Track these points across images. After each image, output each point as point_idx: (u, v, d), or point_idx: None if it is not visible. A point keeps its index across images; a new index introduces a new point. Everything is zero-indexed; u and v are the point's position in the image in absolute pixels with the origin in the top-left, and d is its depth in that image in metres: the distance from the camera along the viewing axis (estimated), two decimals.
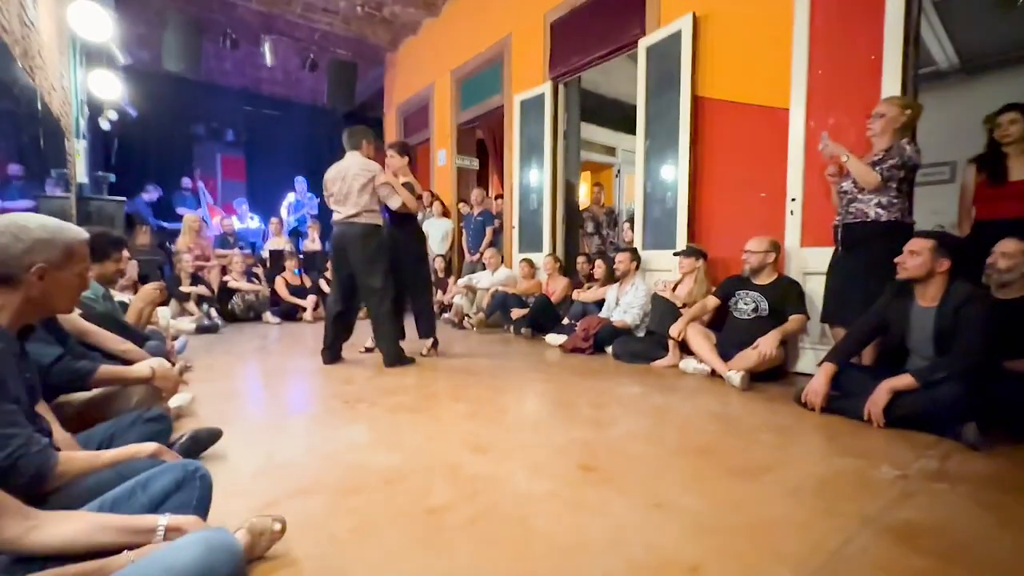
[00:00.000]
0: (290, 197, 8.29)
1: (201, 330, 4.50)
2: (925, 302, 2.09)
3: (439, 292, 5.91)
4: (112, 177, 5.42)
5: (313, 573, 1.05)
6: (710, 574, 1.05)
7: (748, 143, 3.34)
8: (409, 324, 3.57)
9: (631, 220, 4.66)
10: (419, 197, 3.52)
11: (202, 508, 1.01)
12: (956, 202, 2.84)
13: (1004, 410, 1.88)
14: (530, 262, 4.95)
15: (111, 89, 5.25)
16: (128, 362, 2.04)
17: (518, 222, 5.36)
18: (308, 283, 5.89)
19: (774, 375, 2.80)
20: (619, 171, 7.97)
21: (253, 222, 7.97)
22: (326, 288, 5.90)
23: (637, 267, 3.80)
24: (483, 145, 7.16)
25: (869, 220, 2.46)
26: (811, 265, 2.94)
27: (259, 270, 5.99)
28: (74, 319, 1.84)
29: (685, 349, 3.10)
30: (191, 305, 4.89)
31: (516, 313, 4.55)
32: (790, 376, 2.92)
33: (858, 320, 2.30)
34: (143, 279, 4.23)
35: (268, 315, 5.45)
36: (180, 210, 7.40)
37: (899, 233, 2.36)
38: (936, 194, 5.03)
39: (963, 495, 1.43)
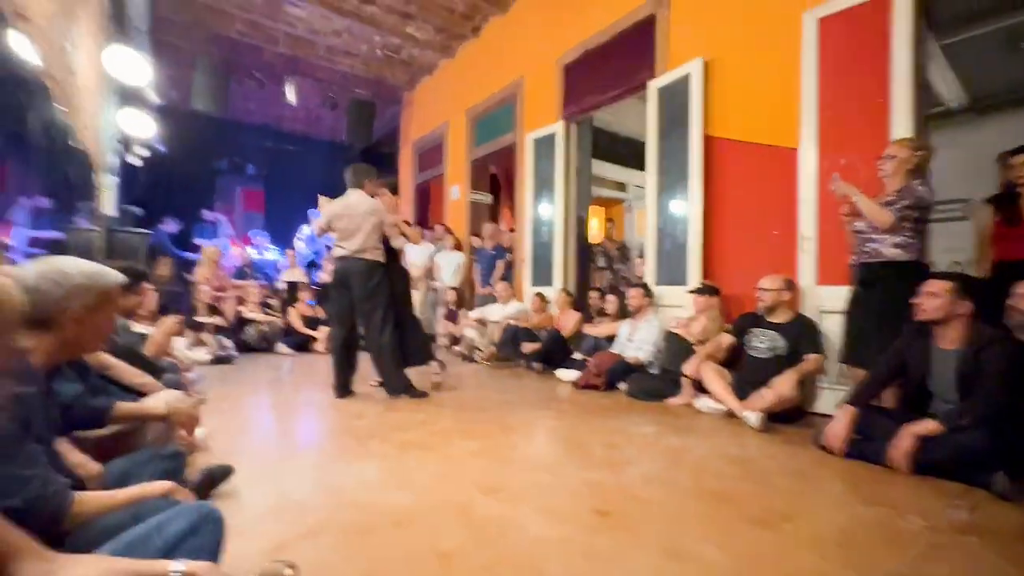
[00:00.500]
0: (305, 229, 8.48)
1: (216, 361, 4.54)
2: (946, 344, 2.05)
3: (450, 324, 5.93)
4: (139, 211, 5.60)
5: None
6: None
7: (759, 181, 3.38)
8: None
9: (643, 255, 4.68)
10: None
11: (215, 553, 1.00)
12: (971, 239, 2.82)
13: None
14: (542, 296, 4.97)
15: (143, 127, 5.49)
16: (145, 395, 2.08)
17: (530, 256, 5.41)
18: (321, 314, 5.94)
19: (792, 416, 2.73)
20: (630, 206, 8.05)
21: (270, 253, 8.14)
22: None
23: (650, 303, 3.80)
24: (495, 180, 7.31)
25: (885, 260, 2.45)
26: (828, 303, 2.91)
27: (274, 301, 6.07)
28: (97, 354, 1.88)
29: (699, 387, 3.06)
30: (207, 336, 4.95)
31: (527, 347, 4.54)
32: (808, 417, 2.85)
33: (877, 362, 2.26)
34: (162, 310, 4.31)
35: (281, 346, 5.49)
36: (199, 241, 7.61)
37: (915, 273, 2.34)
38: (950, 231, 4.99)
39: (995, 550, 1.37)
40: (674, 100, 3.85)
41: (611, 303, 4.28)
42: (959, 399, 1.99)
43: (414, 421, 2.69)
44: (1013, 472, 1.73)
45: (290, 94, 7.24)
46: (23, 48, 3.02)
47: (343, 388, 3.25)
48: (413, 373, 3.35)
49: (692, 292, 3.45)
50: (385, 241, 3.33)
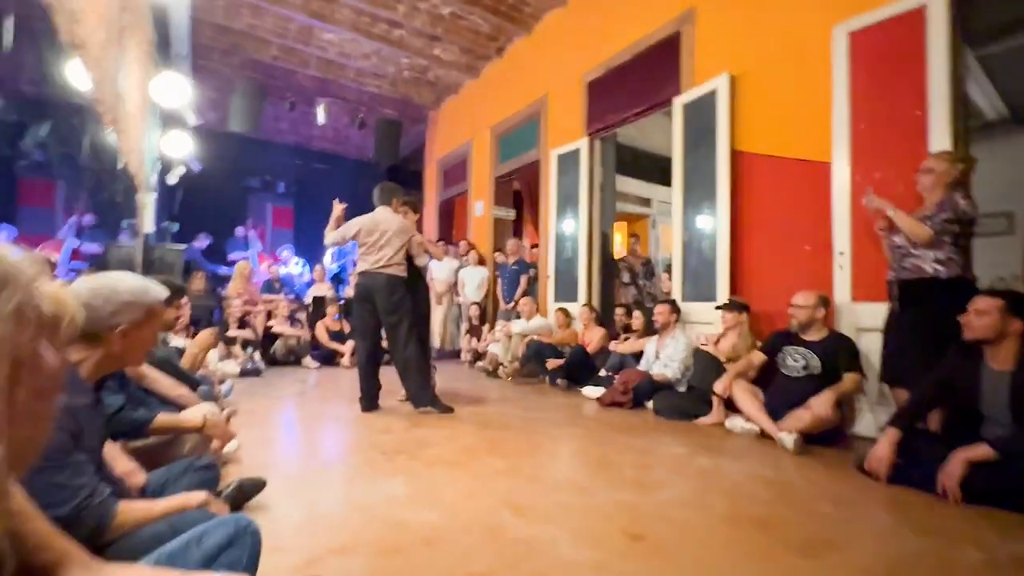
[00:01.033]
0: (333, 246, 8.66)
1: (245, 373, 4.63)
2: (997, 365, 1.95)
3: (473, 340, 5.94)
4: (176, 227, 5.83)
5: None
6: None
7: (790, 196, 3.32)
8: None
9: (669, 270, 4.63)
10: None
11: (252, 565, 1.00)
12: (1013, 252, 2.70)
13: None
14: (566, 312, 4.94)
15: (181, 147, 5.74)
16: (182, 407, 2.13)
17: (554, 272, 5.40)
18: (347, 329, 6.02)
19: (829, 438, 2.62)
20: (655, 222, 7.99)
21: (297, 268, 8.33)
22: None
23: (677, 319, 3.73)
24: (519, 196, 7.37)
25: (927, 276, 2.36)
26: (864, 321, 2.81)
27: (302, 315, 6.19)
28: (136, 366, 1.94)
29: (730, 406, 2.97)
30: (237, 349, 5.06)
31: (552, 363, 4.50)
32: (847, 439, 2.74)
33: (922, 382, 2.16)
34: (195, 323, 4.44)
35: (308, 359, 5.58)
36: (232, 256, 7.85)
37: (960, 290, 2.25)
38: (994, 246, 4.80)
39: None
40: (700, 115, 3.83)
41: (637, 319, 4.22)
42: (1013, 422, 1.88)
43: (440, 437, 2.68)
44: None
45: (320, 115, 7.47)
46: (79, 76, 3.20)
47: (370, 402, 3.27)
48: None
49: (720, 308, 3.38)
50: (408, 259, 3.39)
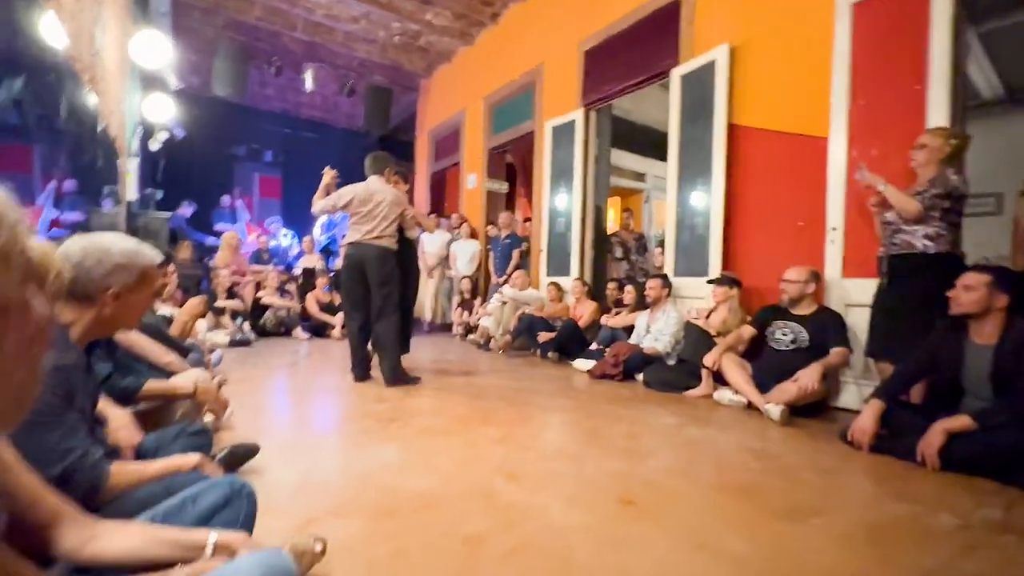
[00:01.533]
0: (323, 216, 8.53)
1: (234, 344, 4.60)
2: (981, 339, 1.99)
3: (465, 313, 5.94)
4: (160, 194, 5.68)
5: None
6: None
7: (785, 171, 3.30)
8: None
9: (662, 244, 4.63)
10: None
11: (248, 525, 1.01)
12: (1001, 234, 2.73)
13: None
14: (558, 286, 4.94)
15: (164, 112, 5.54)
16: (171, 374, 2.11)
17: (546, 246, 5.37)
18: (338, 301, 5.99)
19: (814, 410, 2.69)
20: (648, 197, 7.96)
21: (286, 239, 8.21)
22: None
23: (668, 294, 3.75)
24: (512, 169, 7.27)
25: (916, 252, 2.38)
26: (853, 296, 2.85)
27: (292, 287, 6.13)
28: (125, 331, 1.91)
29: (718, 379, 3.02)
30: (226, 319, 5.02)
31: (543, 336, 4.53)
32: (831, 411, 2.81)
33: (908, 356, 2.21)
34: (184, 292, 4.37)
35: (298, 331, 5.55)
36: (219, 226, 7.70)
37: (948, 265, 2.28)
38: (980, 226, 4.85)
39: None
40: (698, 88, 3.77)
41: (629, 294, 4.24)
42: (993, 395, 1.94)
43: (433, 407, 2.70)
44: None
45: (308, 80, 7.24)
46: (54, 31, 3.04)
47: (362, 372, 3.27)
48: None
49: (711, 283, 3.40)
50: (399, 231, 3.33)
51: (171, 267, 2.95)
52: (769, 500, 1.61)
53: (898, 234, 2.47)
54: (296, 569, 0.78)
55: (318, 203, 3.31)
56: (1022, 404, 1.77)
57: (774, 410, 2.52)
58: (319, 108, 9.31)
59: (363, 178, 3.36)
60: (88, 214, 4.12)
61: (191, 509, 0.98)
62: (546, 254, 5.37)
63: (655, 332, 3.69)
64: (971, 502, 1.62)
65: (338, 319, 5.73)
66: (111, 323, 1.07)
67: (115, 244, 1.03)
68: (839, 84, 2.96)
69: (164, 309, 3.19)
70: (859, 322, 2.75)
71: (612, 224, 6.87)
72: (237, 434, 2.04)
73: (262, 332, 5.42)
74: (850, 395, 2.85)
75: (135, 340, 1.96)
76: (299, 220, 8.74)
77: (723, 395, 2.93)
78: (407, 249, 3.46)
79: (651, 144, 7.15)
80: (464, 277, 6.03)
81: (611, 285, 4.78)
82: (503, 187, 6.71)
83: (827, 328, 2.74)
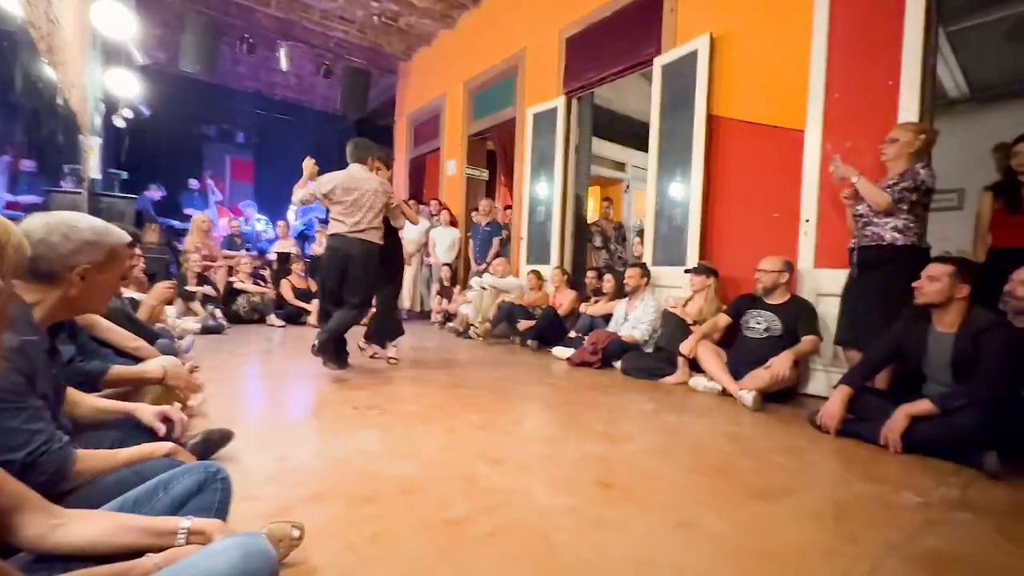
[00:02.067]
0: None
1: (206, 330, 4.47)
2: (943, 327, 2.08)
3: (444, 301, 5.90)
4: (124, 175, 5.44)
5: None
6: None
7: (762, 163, 3.36)
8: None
9: (641, 234, 4.67)
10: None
11: (222, 511, 0.98)
12: (965, 228, 2.85)
13: (1022, 439, 1.86)
14: (538, 274, 4.95)
15: (128, 87, 5.29)
16: (139, 359, 2.03)
17: (526, 234, 5.36)
18: (314, 287, 5.87)
19: (785, 396, 2.77)
20: (628, 186, 8.00)
21: (260, 224, 7.99)
22: None
23: (647, 283, 3.80)
24: (493, 156, 7.20)
25: (885, 244, 2.46)
26: (824, 287, 2.93)
27: (265, 272, 5.98)
28: (89, 314, 1.83)
29: (694, 366, 3.08)
30: (196, 305, 4.87)
31: (523, 324, 4.53)
32: (801, 397, 2.90)
33: (874, 344, 2.29)
34: (151, 277, 4.22)
35: (272, 317, 5.43)
36: (188, 210, 7.44)
37: (915, 257, 2.36)
38: (944, 220, 5.04)
39: (987, 526, 1.41)
40: (679, 78, 3.78)
41: (608, 283, 4.28)
42: (952, 381, 2.03)
43: (412, 393, 2.68)
44: (1003, 453, 1.77)
45: (282, 60, 7.00)
46: None
47: (340, 362, 3.16)
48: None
49: (689, 272, 3.46)
50: (385, 220, 3.23)
51: (137, 250, 2.84)
52: (743, 481, 1.65)
53: (869, 226, 2.54)
54: (275, 553, 0.76)
55: (298, 193, 3.17)
56: (978, 389, 1.85)
57: (747, 396, 2.59)
58: (294, 89, 9.03)
59: (341, 164, 3.25)
60: (46, 195, 3.91)
61: (163, 496, 0.95)
62: (526, 242, 5.36)
63: (633, 320, 3.73)
64: (931, 481, 1.70)
65: (314, 306, 5.62)
66: (77, 304, 1.02)
67: (82, 220, 0.98)
68: (816, 77, 3.01)
69: (129, 293, 3.07)
70: (829, 311, 2.83)
71: (592, 213, 6.89)
72: (210, 421, 1.98)
73: (235, 319, 5.28)
74: (819, 382, 2.95)
75: (100, 323, 1.88)
76: (273, 204, 8.50)
77: (698, 382, 2.99)
78: (392, 239, 3.38)
79: (631, 134, 7.18)
80: (444, 264, 5.98)
81: (590, 274, 4.81)
82: (483, 174, 6.65)
83: (799, 317, 2.81)
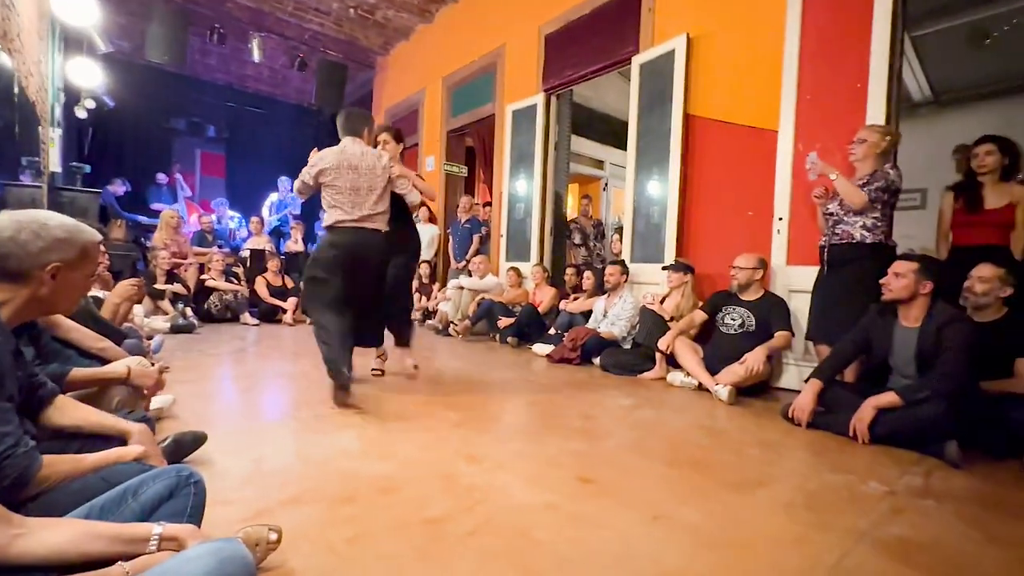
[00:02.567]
0: (272, 197, 8.13)
1: (176, 330, 4.34)
2: (908, 322, 2.16)
3: (423, 298, 5.86)
4: (87, 168, 5.22)
5: None
6: None
7: (737, 162, 3.43)
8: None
9: (619, 231, 4.72)
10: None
11: (196, 516, 0.96)
12: (927, 227, 2.96)
13: (981, 428, 1.95)
14: (517, 271, 4.95)
15: (90, 77, 5.08)
16: (105, 361, 1.96)
17: (506, 231, 5.36)
18: (290, 284, 5.76)
19: (759, 390, 2.84)
20: (607, 184, 8.07)
21: (232, 222, 7.77)
22: None
23: (626, 280, 3.84)
24: (472, 152, 7.17)
25: (854, 241, 2.54)
26: (796, 283, 3.01)
27: (239, 270, 5.83)
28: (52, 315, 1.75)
29: (671, 362, 3.13)
30: (166, 304, 4.72)
31: (502, 322, 4.53)
32: (774, 391, 2.98)
33: (843, 339, 2.36)
34: (116, 275, 4.07)
35: (247, 316, 5.30)
36: (156, 205, 7.19)
37: (883, 255, 2.44)
38: (908, 219, 5.23)
39: (949, 512, 1.47)
40: (657, 77, 3.82)
41: (588, 279, 4.31)
42: (916, 373, 2.11)
43: (391, 392, 2.65)
44: (963, 442, 1.85)
45: (255, 51, 6.81)
46: None
47: (347, 378, 2.29)
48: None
49: (666, 269, 3.51)
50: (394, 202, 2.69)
51: (102, 248, 2.74)
52: (719, 473, 1.69)
53: (839, 225, 2.62)
54: (252, 558, 0.74)
55: (296, 182, 2.63)
56: (940, 381, 1.93)
57: (722, 391, 2.65)
58: (267, 82, 8.80)
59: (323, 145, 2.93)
60: (3, 190, 3.71)
61: (132, 502, 0.91)
62: (505, 239, 5.36)
63: (612, 317, 3.77)
64: (897, 471, 1.77)
65: (290, 303, 5.52)
66: (47, 303, 0.98)
67: (52, 218, 0.96)
68: (788, 80, 3.08)
69: (93, 292, 2.95)
70: (801, 307, 2.91)
71: (571, 210, 6.93)
72: (182, 423, 1.93)
73: (207, 317, 5.13)
74: (791, 376, 3.03)
75: (63, 324, 1.81)
76: (246, 200, 8.29)
77: (676, 377, 3.04)
78: (405, 219, 2.85)
79: (610, 132, 7.24)
80: (423, 262, 5.93)
81: (569, 271, 4.84)
82: (463, 171, 6.62)
83: (772, 313, 2.88)
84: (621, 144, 4.22)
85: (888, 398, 2.01)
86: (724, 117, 3.49)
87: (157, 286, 4.76)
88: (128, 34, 6.72)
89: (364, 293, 2.52)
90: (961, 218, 2.66)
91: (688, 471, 1.71)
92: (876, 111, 2.75)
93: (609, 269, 3.85)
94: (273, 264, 5.70)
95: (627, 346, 3.64)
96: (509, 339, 4.41)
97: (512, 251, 5.28)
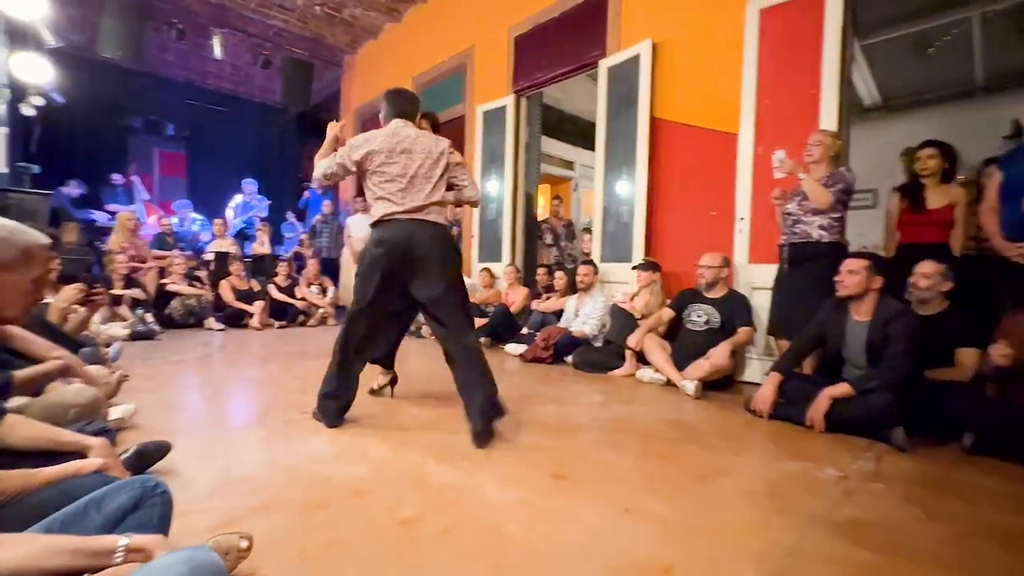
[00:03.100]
0: (237, 198, 7.89)
1: (136, 336, 4.17)
2: (859, 316, 2.28)
3: None
4: (36, 168, 4.97)
5: None
6: (682, 575, 1.10)
7: (701, 164, 3.53)
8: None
9: (589, 231, 4.79)
10: None
11: (163, 527, 0.94)
12: (879, 226, 3.14)
13: (925, 415, 2.08)
14: (490, 272, 4.97)
15: (38, 73, 4.83)
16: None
17: (478, 231, 5.37)
18: (256, 288, 5.61)
19: (724, 384, 2.95)
20: (577, 185, 8.16)
21: (195, 225, 7.50)
22: (276, 294, 5.65)
23: (597, 279, 3.91)
24: None
25: (812, 240, 2.66)
26: (758, 280, 3.13)
27: (202, 273, 5.65)
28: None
29: (641, 359, 3.21)
30: (124, 309, 4.53)
31: (475, 322, 4.53)
32: (738, 385, 3.09)
33: (801, 333, 2.48)
34: (69, 280, 3.88)
35: (211, 321, 5.13)
36: (111, 207, 6.89)
37: (839, 253, 2.57)
38: (860, 218, 5.50)
39: (896, 493, 1.57)
40: (624, 81, 3.91)
41: (561, 279, 4.36)
42: (867, 364, 2.23)
43: (362, 395, 2.62)
44: (909, 428, 1.97)
45: (216, 48, 6.61)
46: None
47: (345, 405, 2.17)
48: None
49: (635, 268, 3.59)
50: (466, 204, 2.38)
51: (53, 252, 2.61)
52: (685, 465, 1.75)
53: (798, 224, 2.74)
54: (223, 565, 0.74)
55: (321, 164, 2.14)
56: (888, 372, 2.06)
57: (689, 385, 2.74)
58: (229, 79, 8.54)
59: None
60: None
61: (95, 514, 0.89)
62: (478, 240, 5.37)
63: (583, 316, 3.83)
64: (850, 457, 1.88)
65: (256, 307, 5.37)
66: None
67: None
68: (748, 85, 3.20)
69: (47, 298, 2.82)
70: (762, 303, 3.03)
71: (542, 211, 6.98)
72: (144, 433, 1.87)
73: (169, 323, 4.95)
74: (754, 369, 3.15)
75: (14, 333, 1.73)
76: (208, 201, 8.00)
77: (645, 373, 3.12)
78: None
79: (580, 133, 7.33)
80: None
81: (541, 271, 4.88)
82: None
83: (735, 309, 2.99)
84: (590, 145, 4.30)
85: (841, 389, 2.12)
86: (688, 120, 3.60)
87: (114, 291, 4.57)
88: (80, 27, 6.41)
89: (443, 298, 2.06)
90: (906, 217, 2.82)
91: (657, 464, 1.77)
92: (829, 115, 2.89)
93: (582, 269, 3.91)
94: (236, 267, 5.54)
95: (598, 344, 3.71)
96: (482, 339, 4.41)
97: (484, 252, 5.30)
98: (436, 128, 2.53)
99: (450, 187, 2.19)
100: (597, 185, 4.17)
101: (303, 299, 5.76)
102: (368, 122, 7.38)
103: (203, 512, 1.29)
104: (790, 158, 2.71)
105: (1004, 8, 4.46)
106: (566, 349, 3.67)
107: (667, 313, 3.22)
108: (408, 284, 2.08)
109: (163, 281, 5.17)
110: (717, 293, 3.09)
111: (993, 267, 2.51)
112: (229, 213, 7.67)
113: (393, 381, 2.63)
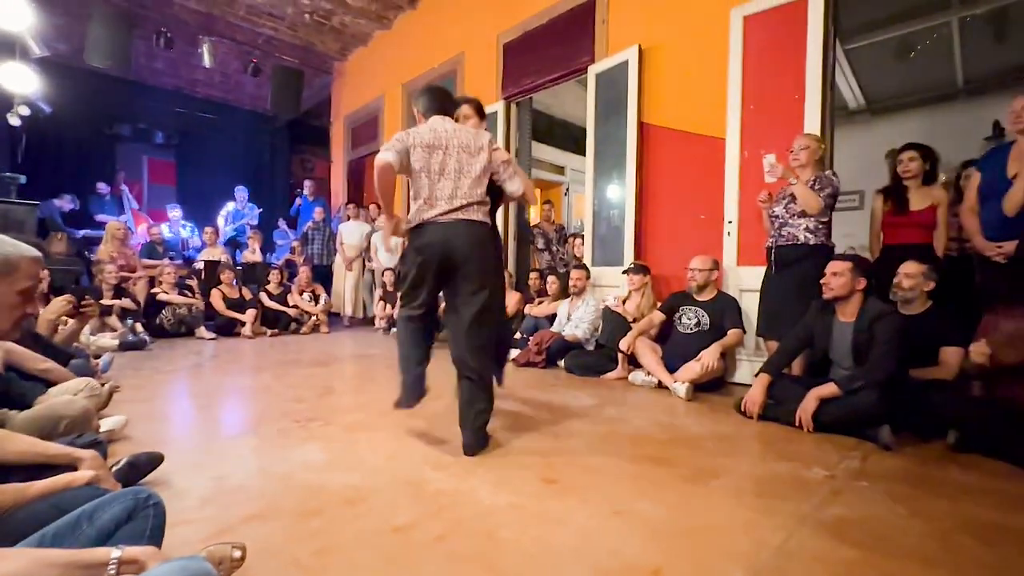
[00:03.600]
0: (229, 206, 7.85)
1: (126, 347, 4.14)
2: (845, 317, 2.32)
3: (388, 306, 5.80)
4: (22, 179, 4.92)
5: None
6: None
7: (689, 168, 3.58)
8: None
9: (579, 235, 4.82)
10: None
11: (156, 539, 0.95)
12: (865, 227, 3.19)
13: (910, 413, 2.11)
14: None
15: (23, 83, 4.80)
16: (50, 383, 1.88)
17: None
18: (248, 296, 5.59)
19: (715, 385, 2.98)
20: (568, 189, 8.22)
21: (185, 231, 7.46)
22: (268, 302, 5.63)
23: (588, 283, 3.94)
24: None
25: (799, 242, 2.70)
26: (746, 283, 3.18)
27: (192, 282, 5.61)
28: None
29: (633, 362, 3.24)
30: (113, 320, 4.49)
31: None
32: (729, 386, 3.12)
33: (788, 334, 2.52)
34: (58, 291, 3.86)
35: (202, 330, 5.10)
36: (100, 217, 6.83)
37: (824, 255, 2.61)
38: (847, 219, 5.59)
39: (881, 491, 1.60)
40: (612, 86, 3.95)
41: (554, 283, 4.38)
42: (853, 364, 2.27)
43: (355, 403, 2.63)
44: (895, 426, 2.01)
45: (205, 56, 6.59)
46: None
47: (418, 395, 2.12)
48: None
49: (627, 272, 3.62)
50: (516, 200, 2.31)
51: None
52: (677, 467, 1.77)
53: (784, 227, 2.79)
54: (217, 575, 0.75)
55: (383, 157, 1.92)
56: (873, 372, 2.09)
57: (680, 388, 2.76)
58: (219, 87, 8.51)
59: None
60: None
61: (87, 527, 0.90)
62: None
63: (575, 320, 3.86)
64: (836, 456, 1.91)
65: (248, 315, 5.34)
66: None
67: None
68: (733, 90, 3.25)
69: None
70: (751, 305, 3.07)
71: (534, 216, 7.01)
72: (136, 444, 1.86)
73: (159, 333, 4.92)
74: (744, 371, 3.18)
75: (10, 348, 1.72)
76: (198, 209, 7.96)
77: (637, 376, 3.15)
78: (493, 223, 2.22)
79: (570, 138, 7.39)
80: (386, 269, 5.88)
81: (533, 275, 4.91)
82: None
83: (725, 312, 3.03)
84: (581, 150, 4.33)
85: (828, 389, 2.16)
86: (676, 125, 3.64)
87: (104, 301, 4.53)
88: (66, 37, 6.37)
89: (467, 295, 1.98)
90: (890, 219, 2.87)
91: (648, 466, 1.79)
92: (813, 119, 2.95)
93: (575, 274, 3.94)
94: (227, 276, 5.51)
95: (590, 348, 3.73)
96: None
97: None
98: (483, 116, 2.42)
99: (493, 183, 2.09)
100: (587, 191, 4.20)
101: (295, 307, 5.75)
102: (358, 128, 7.40)
103: (196, 522, 1.29)
104: (780, 162, 2.75)
105: (982, 13, 4.57)
106: (559, 353, 3.69)
107: (658, 316, 3.25)
108: (449, 283, 2.04)
109: (153, 290, 5.14)
110: (707, 296, 3.12)
111: (975, 267, 2.57)
112: (220, 221, 7.63)
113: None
